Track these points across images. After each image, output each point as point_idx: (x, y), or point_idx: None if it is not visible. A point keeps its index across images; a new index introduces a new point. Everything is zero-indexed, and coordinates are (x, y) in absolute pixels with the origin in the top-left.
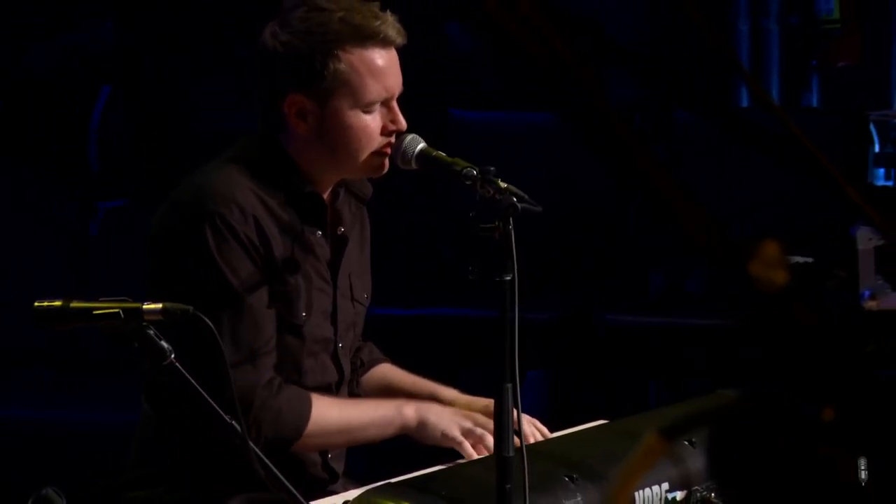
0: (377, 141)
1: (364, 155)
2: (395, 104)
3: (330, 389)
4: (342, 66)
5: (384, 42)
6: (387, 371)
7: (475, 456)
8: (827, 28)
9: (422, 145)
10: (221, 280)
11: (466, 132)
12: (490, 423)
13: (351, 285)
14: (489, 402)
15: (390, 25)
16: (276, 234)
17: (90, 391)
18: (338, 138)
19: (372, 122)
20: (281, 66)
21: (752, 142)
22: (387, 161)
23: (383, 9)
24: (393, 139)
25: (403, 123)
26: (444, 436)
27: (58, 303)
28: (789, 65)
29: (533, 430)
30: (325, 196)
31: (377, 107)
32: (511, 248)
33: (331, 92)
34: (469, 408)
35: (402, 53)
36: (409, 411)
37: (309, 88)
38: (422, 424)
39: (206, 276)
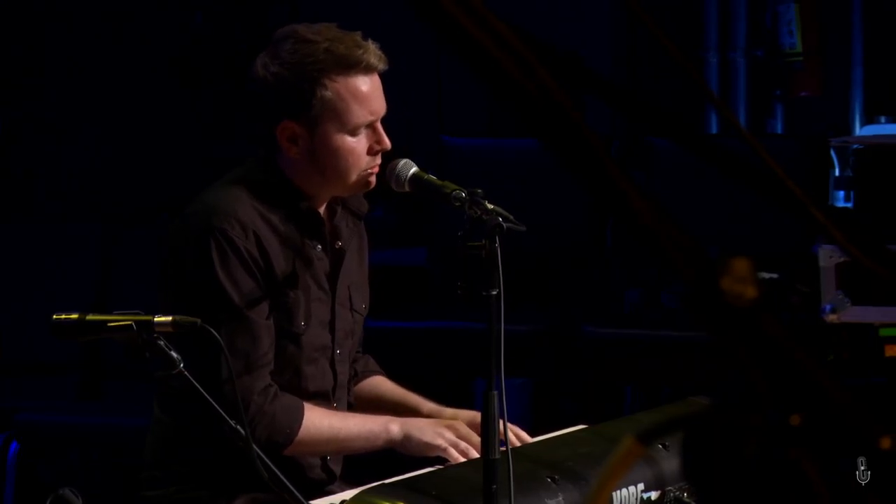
0: (364, 161)
1: (352, 174)
2: (379, 126)
3: (327, 395)
4: (328, 94)
5: (367, 69)
6: (378, 383)
7: (459, 459)
8: (790, 61)
9: (414, 169)
10: (222, 293)
11: (456, 157)
12: (471, 434)
13: (350, 296)
14: (475, 415)
15: (372, 53)
16: (276, 248)
17: (109, 397)
18: (327, 161)
19: (358, 144)
20: (272, 95)
21: (721, 165)
22: (374, 178)
23: (367, 38)
24: (379, 158)
25: (388, 143)
26: (429, 445)
27: (74, 316)
28: (755, 94)
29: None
30: (322, 211)
31: (363, 129)
32: (497, 264)
33: (319, 118)
34: (454, 419)
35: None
36: (395, 427)
37: (298, 115)
38: (406, 438)
39: (207, 288)
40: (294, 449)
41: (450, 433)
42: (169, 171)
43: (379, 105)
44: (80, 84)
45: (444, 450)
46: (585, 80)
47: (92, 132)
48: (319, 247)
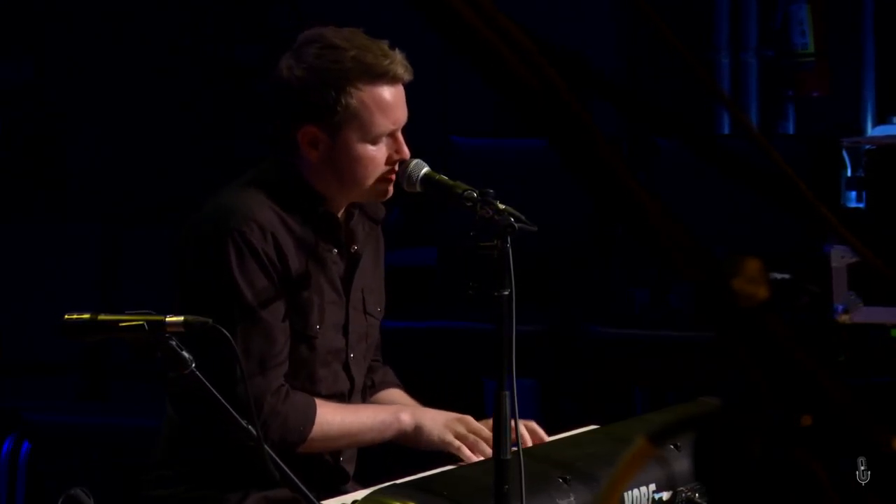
0: (382, 170)
1: (369, 182)
2: (399, 135)
3: (343, 397)
4: (353, 102)
5: (393, 79)
6: (395, 397)
7: (473, 458)
8: (801, 61)
9: (426, 170)
10: (238, 295)
11: (458, 157)
12: (482, 429)
13: (364, 299)
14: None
15: (399, 64)
16: (292, 250)
17: (110, 397)
18: (346, 167)
19: (378, 152)
20: (295, 98)
21: (729, 167)
22: (391, 187)
23: (391, 44)
24: (397, 167)
25: (407, 153)
26: (441, 440)
27: (86, 315)
28: (766, 95)
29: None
30: (340, 215)
31: (384, 138)
32: (509, 265)
33: (342, 125)
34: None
35: (408, 86)
36: (406, 417)
37: (321, 120)
38: (418, 429)
39: (224, 290)
40: (308, 447)
41: (461, 426)
42: (169, 170)
43: (401, 115)
44: (80, 84)
45: (458, 448)
46: (591, 80)
47: (92, 132)
48: (335, 251)
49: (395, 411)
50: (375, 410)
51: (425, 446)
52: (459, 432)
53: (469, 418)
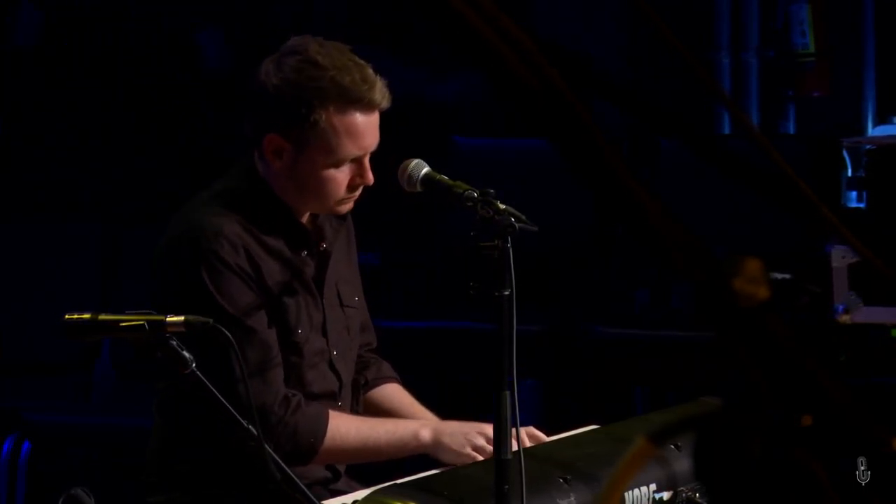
0: (342, 192)
1: (328, 202)
2: (365, 161)
3: (333, 396)
4: (322, 123)
5: (368, 106)
6: (391, 394)
7: None
8: (802, 61)
9: (426, 170)
10: (221, 311)
11: (467, 157)
12: None
13: (339, 293)
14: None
15: (377, 90)
16: (265, 260)
17: (110, 397)
18: (306, 184)
19: (339, 175)
20: (267, 106)
21: (731, 168)
22: (350, 205)
23: (377, 73)
24: (359, 192)
25: (370, 179)
26: (458, 455)
27: (87, 315)
28: (767, 95)
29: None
30: (305, 220)
31: (348, 162)
32: (509, 264)
33: (307, 142)
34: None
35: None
36: (426, 433)
37: (289, 132)
38: (437, 445)
39: (206, 309)
40: (321, 459)
41: (481, 439)
42: (169, 170)
43: (371, 142)
44: (79, 84)
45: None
46: (592, 80)
47: (92, 132)
48: (305, 252)
49: (416, 429)
50: (395, 426)
51: (445, 460)
52: (478, 445)
53: (489, 428)
